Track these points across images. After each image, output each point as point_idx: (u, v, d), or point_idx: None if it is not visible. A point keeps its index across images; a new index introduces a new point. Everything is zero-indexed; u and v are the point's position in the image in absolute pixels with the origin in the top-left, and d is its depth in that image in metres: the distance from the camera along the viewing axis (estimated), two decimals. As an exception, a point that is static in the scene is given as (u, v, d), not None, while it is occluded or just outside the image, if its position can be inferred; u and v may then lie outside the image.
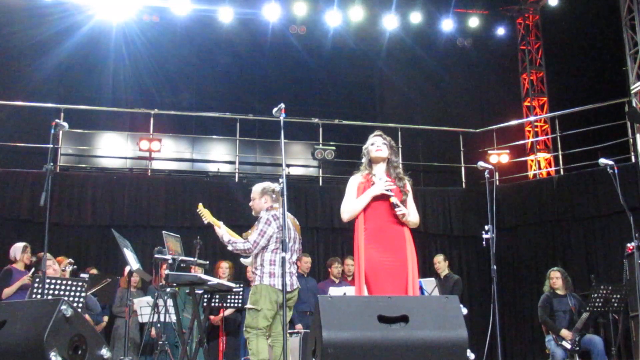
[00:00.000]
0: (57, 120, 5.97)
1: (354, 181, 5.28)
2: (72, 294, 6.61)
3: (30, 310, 3.95)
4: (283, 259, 5.15)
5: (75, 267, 8.15)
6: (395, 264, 5.00)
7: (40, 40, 12.37)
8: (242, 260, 6.72)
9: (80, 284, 6.74)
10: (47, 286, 6.33)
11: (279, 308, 5.93)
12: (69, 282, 6.70)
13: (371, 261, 4.98)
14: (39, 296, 6.16)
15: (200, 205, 6.63)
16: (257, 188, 6.34)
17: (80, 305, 6.60)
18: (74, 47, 12.82)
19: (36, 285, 6.44)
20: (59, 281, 6.66)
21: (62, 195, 10.54)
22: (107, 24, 13.20)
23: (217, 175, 13.21)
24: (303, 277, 9.49)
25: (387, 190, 5.09)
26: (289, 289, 5.90)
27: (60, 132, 10.75)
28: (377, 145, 5.28)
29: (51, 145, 5.90)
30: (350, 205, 5.21)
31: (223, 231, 6.24)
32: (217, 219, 6.54)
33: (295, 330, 8.52)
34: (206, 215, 6.55)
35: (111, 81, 13.54)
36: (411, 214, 5.18)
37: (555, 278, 8.57)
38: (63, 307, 3.83)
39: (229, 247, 6.12)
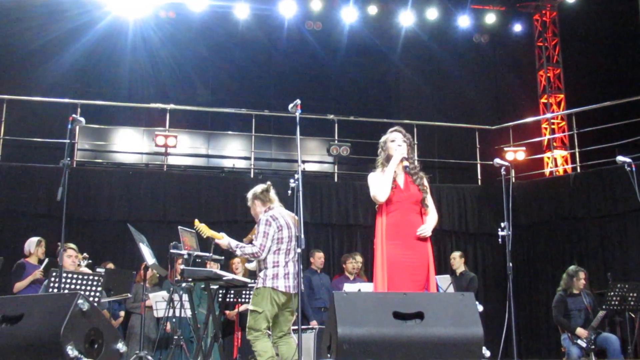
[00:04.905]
0: (74, 116, 5.99)
1: (375, 176, 5.26)
2: (88, 288, 6.65)
3: (47, 304, 3.98)
4: (298, 254, 5.15)
5: (90, 261, 8.19)
6: (416, 260, 5.01)
7: (57, 36, 12.43)
8: (247, 265, 6.72)
9: (96, 278, 6.78)
10: (63, 280, 6.37)
11: (280, 309, 5.94)
12: (85, 277, 6.75)
13: (392, 257, 4.98)
14: (55, 290, 6.20)
15: (196, 221, 6.60)
16: (248, 196, 6.33)
17: (96, 299, 6.64)
18: (91, 43, 12.87)
19: (53, 279, 6.48)
20: (75, 275, 6.71)
21: (79, 190, 10.59)
22: (123, 20, 13.25)
23: (233, 171, 13.23)
24: (317, 273, 9.50)
25: (402, 153, 5.20)
26: (291, 291, 5.91)
27: (77, 128, 10.78)
28: (397, 142, 5.28)
29: (68, 141, 5.93)
30: (379, 183, 5.17)
31: (227, 240, 6.19)
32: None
33: (310, 327, 8.52)
34: (204, 230, 6.52)
35: (127, 77, 13.60)
36: (431, 214, 5.22)
37: (584, 279, 8.50)
38: (80, 301, 3.85)
39: (237, 252, 6.08)
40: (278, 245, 5.95)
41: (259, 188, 6.24)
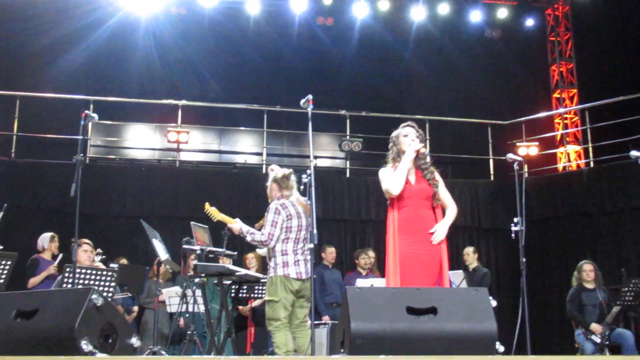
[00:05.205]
0: (86, 112, 5.99)
1: (386, 171, 5.23)
2: (102, 283, 6.68)
3: (62, 299, 3.99)
4: (311, 249, 5.15)
5: (104, 257, 8.22)
6: (428, 255, 5.00)
7: (69, 33, 12.47)
8: (258, 250, 6.75)
9: (109, 273, 6.81)
10: (77, 276, 6.39)
11: (296, 297, 5.94)
12: (99, 272, 6.78)
13: (404, 252, 4.96)
14: (69, 285, 6.23)
15: (207, 204, 6.62)
16: (270, 175, 6.36)
17: (110, 294, 6.67)
18: (103, 39, 12.92)
19: (67, 274, 6.51)
20: (89, 271, 6.74)
21: (92, 186, 10.59)
22: (135, 17, 13.29)
23: (245, 166, 13.24)
24: (328, 269, 9.49)
25: (416, 148, 5.17)
26: (304, 276, 5.91)
27: (90, 124, 10.83)
28: (410, 137, 5.25)
29: (81, 137, 5.94)
30: (393, 177, 5.14)
31: (240, 224, 6.22)
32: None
33: (323, 322, 8.52)
34: (214, 214, 6.53)
35: (139, 73, 13.64)
36: (449, 207, 5.18)
37: (589, 271, 8.47)
38: (94, 296, 3.86)
39: (248, 238, 6.08)
40: (287, 234, 5.96)
41: (280, 172, 6.26)
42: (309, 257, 5.89)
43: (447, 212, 5.20)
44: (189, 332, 7.53)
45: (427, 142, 11.77)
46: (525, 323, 6.14)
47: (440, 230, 5.07)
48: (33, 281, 7.71)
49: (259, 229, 6.12)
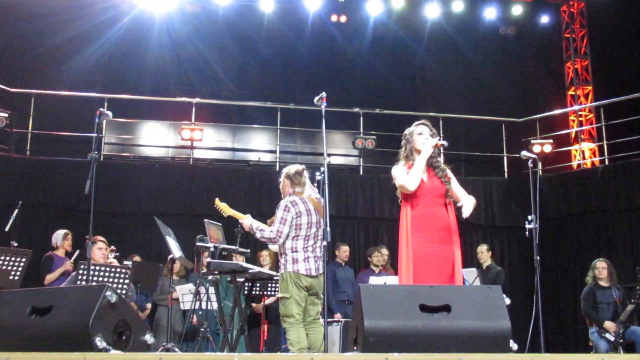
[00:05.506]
0: (101, 109, 6.01)
1: (399, 168, 5.21)
2: (116, 280, 6.71)
3: (76, 296, 4.02)
4: (324, 247, 5.15)
5: (117, 254, 8.26)
6: (441, 253, 4.98)
7: (84, 31, 12.52)
8: (270, 246, 6.77)
9: (123, 271, 6.84)
10: (91, 273, 6.43)
11: (308, 293, 5.94)
12: (113, 269, 6.81)
13: (417, 250, 4.95)
14: (83, 282, 6.27)
15: (217, 200, 6.63)
16: (283, 171, 6.35)
17: (124, 291, 6.70)
18: (117, 37, 12.97)
19: (81, 271, 6.55)
20: (102, 268, 6.77)
21: (106, 183, 10.66)
22: (149, 14, 13.33)
23: (258, 164, 13.25)
24: (341, 266, 9.50)
25: (433, 143, 5.16)
26: (314, 273, 5.90)
27: (104, 121, 10.86)
28: (425, 135, 5.24)
29: (95, 134, 5.96)
30: (410, 173, 5.11)
31: (250, 220, 6.23)
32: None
33: (335, 319, 8.53)
34: (224, 209, 6.54)
35: (153, 71, 13.67)
36: (465, 202, 5.12)
37: (602, 268, 8.45)
38: (108, 293, 3.88)
39: (257, 235, 6.07)
40: (297, 231, 5.94)
41: (292, 168, 6.23)
42: (320, 255, 5.90)
43: (468, 198, 5.17)
44: (202, 330, 7.56)
45: (441, 139, 11.73)
46: (539, 321, 6.13)
47: (468, 204, 5.04)
48: (50, 277, 7.77)
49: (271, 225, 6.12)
